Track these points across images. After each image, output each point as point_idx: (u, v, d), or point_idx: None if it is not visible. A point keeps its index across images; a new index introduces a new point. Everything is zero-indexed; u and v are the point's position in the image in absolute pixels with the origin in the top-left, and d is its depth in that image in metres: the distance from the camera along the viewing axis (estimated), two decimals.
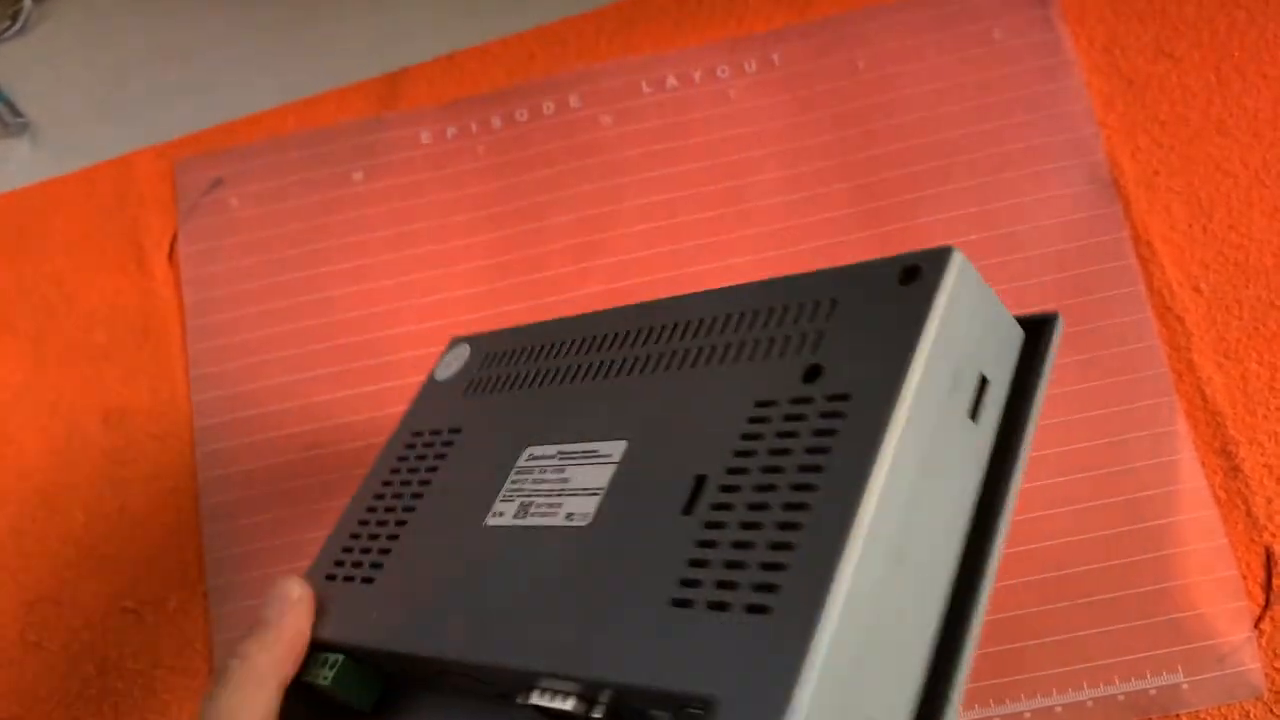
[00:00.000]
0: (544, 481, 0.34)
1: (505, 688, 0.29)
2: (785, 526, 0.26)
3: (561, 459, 0.34)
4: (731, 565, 0.26)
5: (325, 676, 0.33)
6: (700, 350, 0.33)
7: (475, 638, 0.30)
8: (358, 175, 0.55)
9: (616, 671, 0.26)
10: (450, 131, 0.55)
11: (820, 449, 0.27)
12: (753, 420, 0.29)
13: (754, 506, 0.27)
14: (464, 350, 0.42)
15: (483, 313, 0.52)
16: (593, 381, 0.36)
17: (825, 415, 0.28)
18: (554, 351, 0.38)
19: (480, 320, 0.51)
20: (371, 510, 0.38)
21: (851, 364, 0.28)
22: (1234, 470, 0.48)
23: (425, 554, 0.36)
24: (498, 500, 0.35)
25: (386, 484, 0.39)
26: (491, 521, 0.34)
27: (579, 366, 0.37)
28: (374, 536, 0.37)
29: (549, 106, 0.55)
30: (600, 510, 0.31)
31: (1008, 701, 0.46)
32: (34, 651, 0.50)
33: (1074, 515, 0.47)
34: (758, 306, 0.32)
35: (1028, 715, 0.46)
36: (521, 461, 0.35)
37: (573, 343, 0.38)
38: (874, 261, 0.30)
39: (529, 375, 0.38)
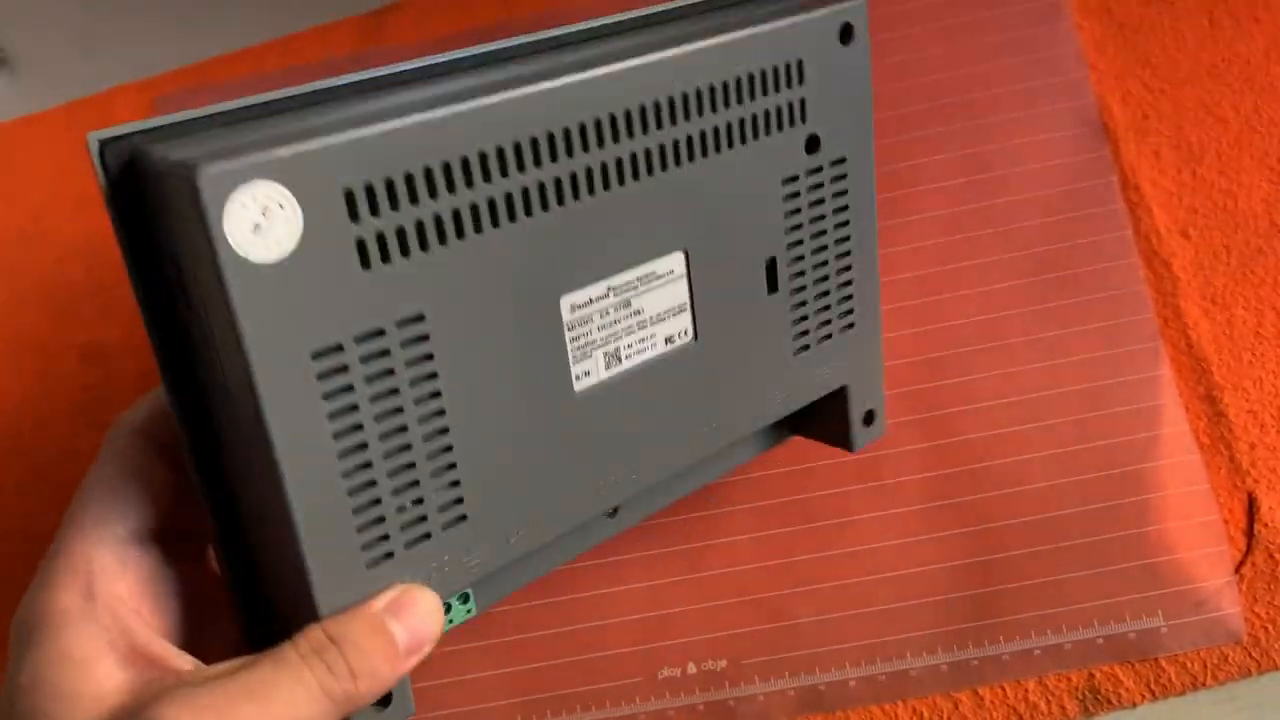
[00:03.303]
0: (615, 323, 0.33)
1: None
2: (842, 272, 0.38)
3: (618, 294, 0.33)
4: (822, 310, 0.38)
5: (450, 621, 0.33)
6: (700, 136, 0.33)
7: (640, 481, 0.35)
8: None
9: (777, 409, 0.38)
10: None
11: (842, 208, 0.37)
12: (786, 198, 0.36)
13: (818, 266, 0.37)
14: (274, 197, 0.25)
15: None
16: (591, 198, 0.31)
17: (835, 179, 0.37)
18: (492, 167, 0.29)
19: None
20: (365, 466, 0.28)
21: (835, 129, 0.36)
22: (1218, 416, 0.47)
23: (521, 462, 0.32)
24: (571, 364, 0.32)
25: (353, 430, 0.27)
26: (582, 385, 0.33)
27: (553, 183, 0.30)
28: (413, 483, 0.29)
29: None
30: (697, 322, 0.35)
31: (986, 644, 0.46)
32: (5, 586, 0.49)
33: (1056, 459, 0.47)
34: (728, 75, 0.33)
35: (1006, 657, 0.45)
36: (566, 316, 0.32)
37: (514, 148, 0.29)
38: (808, 18, 0.34)
39: (474, 212, 0.29)
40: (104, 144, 0.26)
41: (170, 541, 0.31)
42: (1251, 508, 0.46)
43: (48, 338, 0.52)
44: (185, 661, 0.28)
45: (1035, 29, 0.52)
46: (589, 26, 0.34)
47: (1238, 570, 0.46)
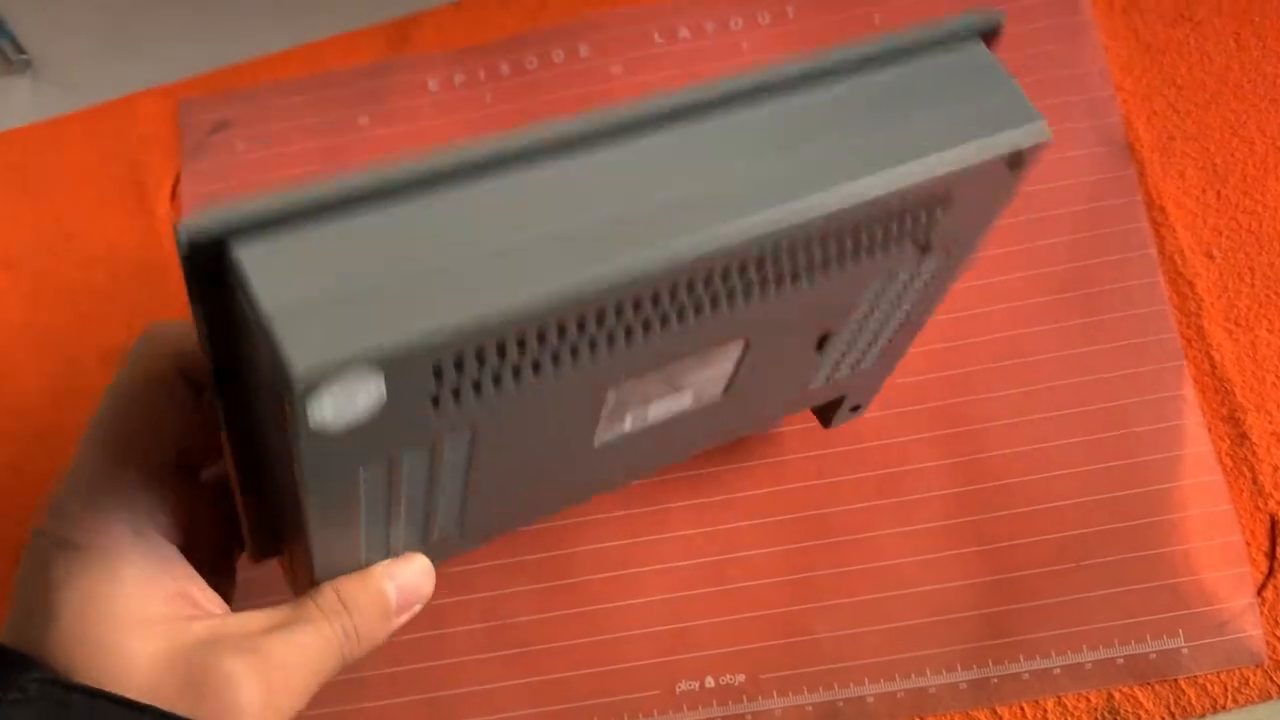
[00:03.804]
0: (651, 396, 0.32)
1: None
2: (892, 337, 0.38)
3: (665, 377, 0.32)
4: (858, 360, 0.39)
5: None
6: (820, 260, 0.29)
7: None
8: (364, 121, 0.54)
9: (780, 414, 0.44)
10: (458, 79, 0.54)
11: (922, 296, 0.36)
12: (872, 292, 0.34)
13: (872, 335, 0.37)
14: (364, 379, 0.23)
15: None
16: (676, 327, 0.28)
17: (930, 276, 0.34)
18: (591, 321, 0.26)
19: None
20: (385, 513, 0.30)
21: (958, 238, 0.32)
22: (1241, 437, 0.47)
23: (528, 491, 0.35)
24: (597, 430, 0.32)
25: (381, 497, 0.29)
26: (602, 440, 0.33)
27: (642, 324, 0.27)
28: (425, 518, 0.32)
29: (559, 55, 0.54)
30: (731, 384, 0.34)
31: (1006, 662, 0.46)
32: None
33: (1078, 477, 0.47)
34: (866, 218, 0.28)
35: (1026, 676, 0.45)
36: (610, 401, 0.31)
37: (632, 302, 0.26)
38: (983, 143, 0.27)
39: (556, 357, 0.27)
40: (193, 244, 0.23)
41: (186, 472, 0.32)
42: (1274, 530, 0.46)
43: (71, 340, 0.52)
44: (215, 604, 0.30)
45: (1060, 46, 0.52)
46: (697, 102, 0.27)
47: (1259, 593, 0.46)
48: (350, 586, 0.31)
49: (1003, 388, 0.48)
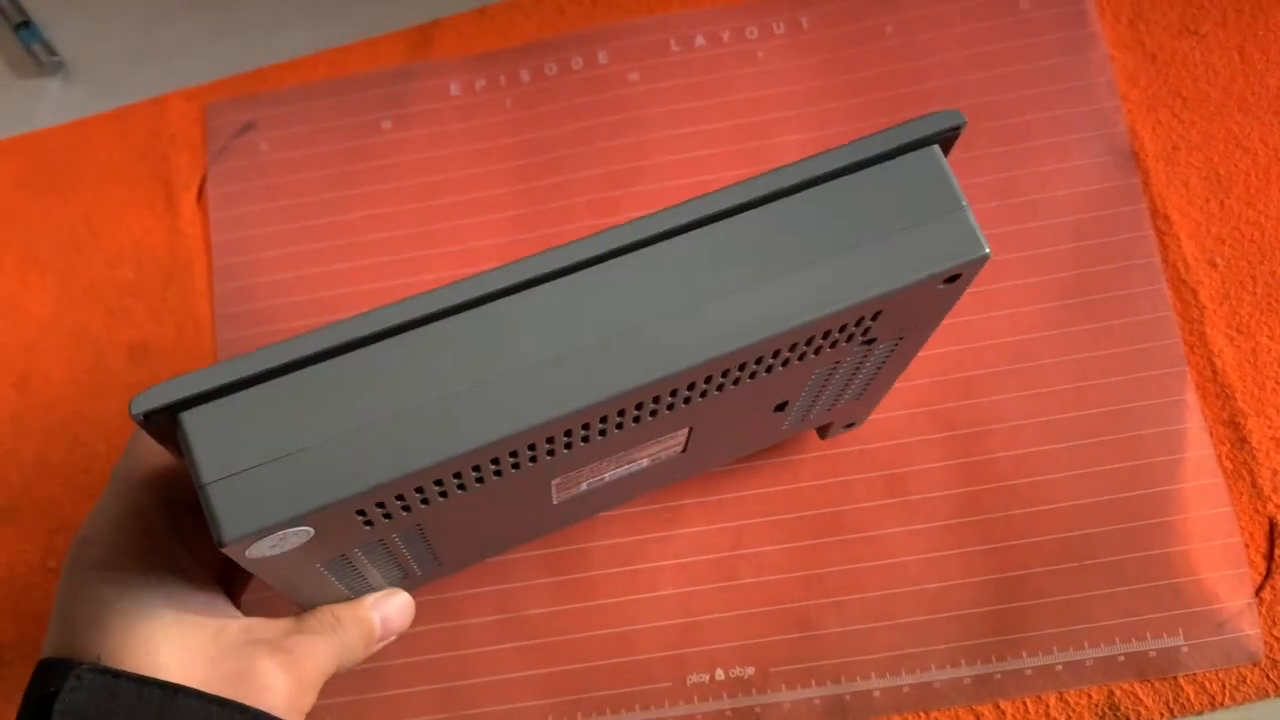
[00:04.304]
0: (603, 469, 0.35)
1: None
2: (861, 393, 0.39)
3: (615, 459, 0.34)
4: (826, 412, 0.41)
5: None
6: (741, 378, 0.31)
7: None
8: (386, 124, 0.55)
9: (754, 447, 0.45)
10: (479, 84, 0.55)
11: (880, 366, 0.37)
12: (820, 373, 0.35)
13: (834, 397, 0.39)
14: (291, 528, 0.27)
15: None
16: (622, 432, 0.31)
17: (885, 354, 0.36)
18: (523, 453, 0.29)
19: None
20: (350, 565, 0.34)
21: (905, 329, 0.34)
22: (1241, 441, 0.48)
23: (494, 534, 0.39)
24: (555, 495, 0.35)
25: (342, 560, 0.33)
26: (560, 499, 0.36)
27: (582, 433, 0.30)
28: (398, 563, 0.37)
29: (577, 62, 0.55)
30: (688, 445, 0.36)
31: (1009, 658, 0.47)
32: (55, 578, 0.51)
33: (1081, 479, 0.48)
34: (810, 335, 0.30)
35: (1029, 672, 0.46)
36: (557, 482, 0.33)
37: (564, 435, 0.29)
38: (923, 277, 0.29)
39: (492, 470, 0.29)
40: (146, 416, 0.26)
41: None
42: (1272, 532, 0.47)
43: (99, 335, 0.54)
44: (236, 613, 0.35)
45: (1069, 57, 0.53)
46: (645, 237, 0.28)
47: (1257, 593, 0.47)
48: (344, 612, 0.37)
49: (1008, 391, 0.50)
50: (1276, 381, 0.49)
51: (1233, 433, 0.48)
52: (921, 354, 0.50)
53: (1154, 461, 0.48)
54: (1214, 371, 0.49)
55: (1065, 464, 0.48)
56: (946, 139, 0.29)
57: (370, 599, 0.38)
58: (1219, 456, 0.48)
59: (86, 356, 0.54)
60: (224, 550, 0.26)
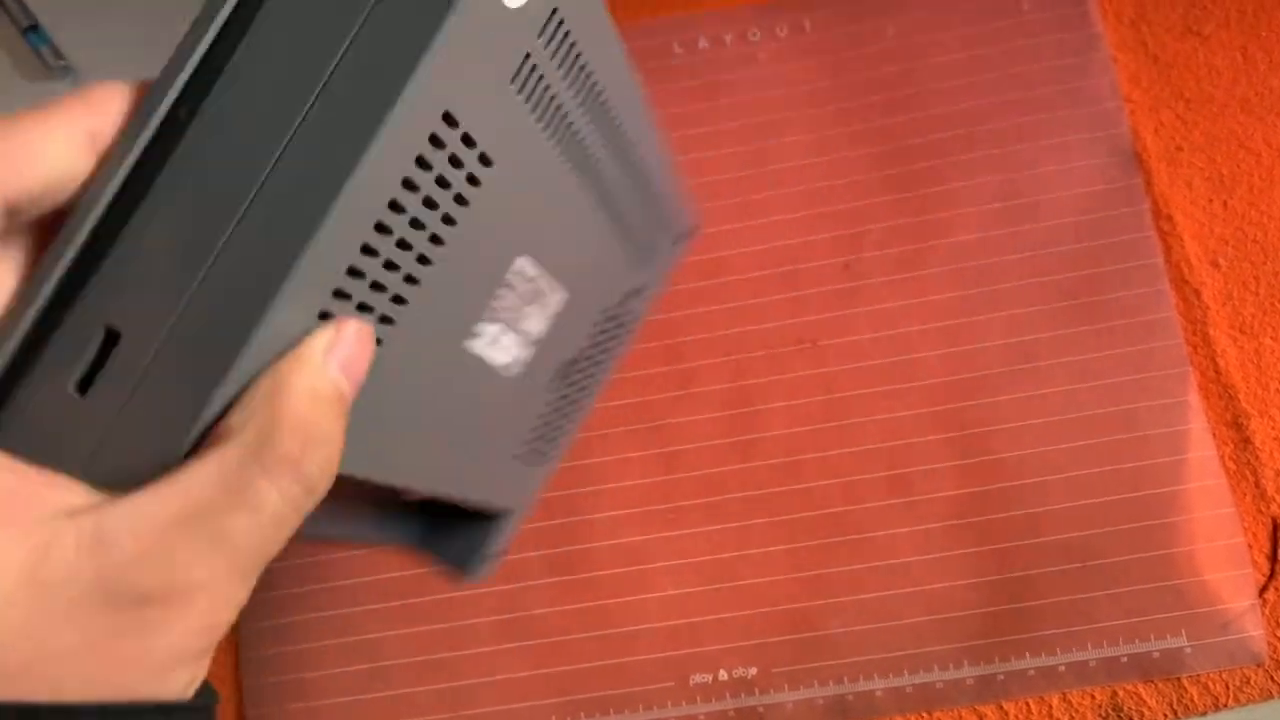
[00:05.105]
0: (513, 310, 0.32)
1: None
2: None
3: (530, 286, 0.32)
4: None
5: None
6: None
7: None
8: None
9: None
10: None
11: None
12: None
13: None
14: None
15: None
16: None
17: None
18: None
19: None
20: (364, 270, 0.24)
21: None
22: (1244, 442, 0.48)
23: (406, 366, 0.29)
24: (483, 320, 0.31)
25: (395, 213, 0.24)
26: (468, 345, 0.31)
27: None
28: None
29: None
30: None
31: (1012, 659, 0.47)
32: None
33: (1084, 480, 0.48)
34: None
35: (1031, 673, 0.46)
36: (509, 273, 0.31)
37: None
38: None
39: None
40: None
41: None
42: (1275, 533, 0.47)
43: None
44: (66, 490, 0.23)
45: (1071, 59, 0.53)
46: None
47: (1261, 594, 0.46)
48: (283, 380, 0.22)
49: (1011, 392, 0.50)
50: (1279, 383, 0.49)
51: (1236, 434, 0.48)
52: (923, 354, 0.50)
53: (1157, 462, 0.48)
54: (1217, 372, 0.49)
55: (1068, 465, 0.48)
56: None
57: (316, 343, 0.22)
58: (1222, 457, 0.48)
59: None
60: None
